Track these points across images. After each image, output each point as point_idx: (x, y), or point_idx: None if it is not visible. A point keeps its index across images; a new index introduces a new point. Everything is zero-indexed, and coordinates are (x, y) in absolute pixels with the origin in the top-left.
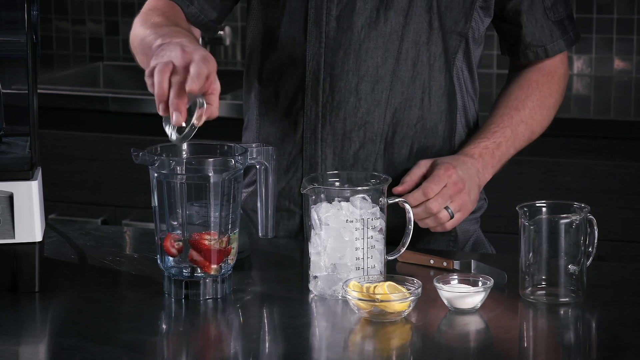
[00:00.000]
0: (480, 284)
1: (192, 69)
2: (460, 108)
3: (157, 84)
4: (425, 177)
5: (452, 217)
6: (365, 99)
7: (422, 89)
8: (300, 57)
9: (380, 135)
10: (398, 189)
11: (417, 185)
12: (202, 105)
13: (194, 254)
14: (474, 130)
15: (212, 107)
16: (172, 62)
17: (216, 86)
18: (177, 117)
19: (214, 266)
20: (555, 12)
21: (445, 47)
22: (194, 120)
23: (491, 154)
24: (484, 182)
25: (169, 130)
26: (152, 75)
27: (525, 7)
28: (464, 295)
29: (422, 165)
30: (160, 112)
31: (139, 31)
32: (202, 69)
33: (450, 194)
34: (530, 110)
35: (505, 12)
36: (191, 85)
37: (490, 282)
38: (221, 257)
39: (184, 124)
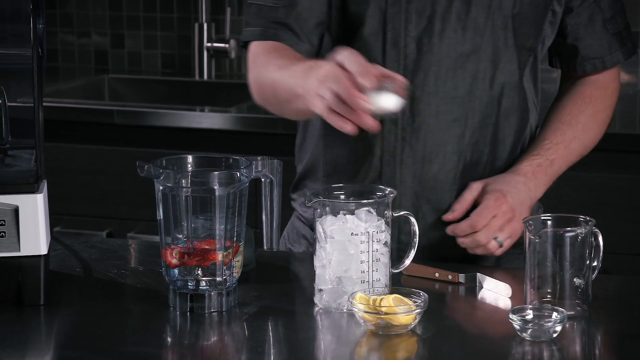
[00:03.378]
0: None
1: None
2: (529, 121)
3: (345, 89)
4: (476, 202)
5: (501, 246)
6: (444, 120)
7: (497, 106)
8: None
9: (458, 155)
10: (448, 217)
11: (469, 210)
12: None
13: (197, 253)
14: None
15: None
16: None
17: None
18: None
19: (220, 252)
20: (614, 24)
21: (518, 63)
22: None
23: (544, 172)
24: (536, 200)
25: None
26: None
27: (585, 19)
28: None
29: (474, 190)
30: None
31: (266, 79)
32: (361, 62)
33: (499, 225)
34: (583, 125)
35: (564, 25)
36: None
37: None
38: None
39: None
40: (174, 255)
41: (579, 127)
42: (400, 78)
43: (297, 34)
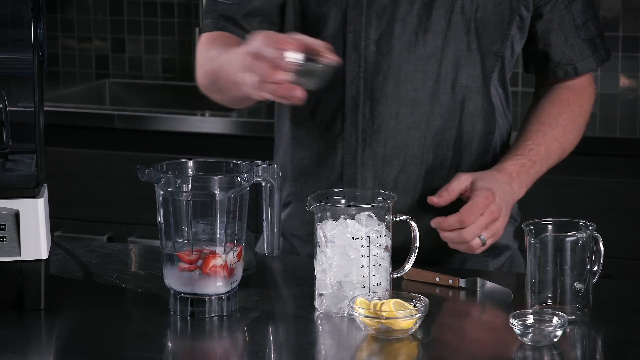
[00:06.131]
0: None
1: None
2: (495, 126)
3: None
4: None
5: (483, 244)
6: (405, 122)
7: (460, 110)
8: (338, 82)
9: (420, 158)
10: (433, 199)
11: (454, 204)
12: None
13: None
14: (507, 145)
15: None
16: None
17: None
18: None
19: (221, 256)
20: (586, 30)
21: (483, 67)
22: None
23: (527, 172)
24: (517, 200)
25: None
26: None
27: (555, 25)
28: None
29: (462, 181)
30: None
31: (207, 68)
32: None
33: (485, 223)
34: (562, 128)
35: (535, 31)
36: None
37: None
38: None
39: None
40: (187, 259)
41: (558, 130)
42: (322, 45)
43: (245, 30)
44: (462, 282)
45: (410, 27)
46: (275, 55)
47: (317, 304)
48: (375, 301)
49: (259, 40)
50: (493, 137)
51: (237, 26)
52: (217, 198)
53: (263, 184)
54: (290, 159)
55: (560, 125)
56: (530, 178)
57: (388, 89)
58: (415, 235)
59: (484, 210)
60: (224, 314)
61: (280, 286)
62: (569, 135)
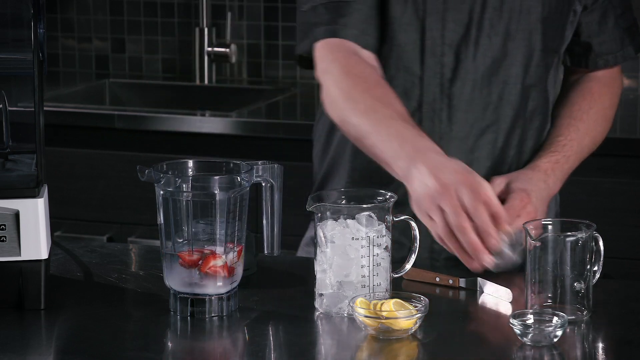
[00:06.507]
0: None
1: (495, 208)
2: (547, 123)
3: (468, 240)
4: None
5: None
6: (479, 126)
7: (525, 110)
8: (412, 88)
9: (491, 161)
10: None
11: None
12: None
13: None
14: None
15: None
16: (461, 203)
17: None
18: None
19: (221, 256)
20: (625, 19)
21: (545, 65)
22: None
23: (561, 168)
24: (552, 196)
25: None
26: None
27: (598, 16)
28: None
29: (497, 185)
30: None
31: (352, 121)
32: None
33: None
34: (593, 122)
35: (579, 23)
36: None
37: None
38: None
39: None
40: (187, 259)
41: (590, 123)
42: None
43: (359, 29)
44: (462, 282)
45: (484, 31)
46: (486, 227)
47: (317, 304)
48: (375, 301)
49: (466, 192)
50: (543, 133)
51: (352, 28)
52: (217, 198)
53: (263, 184)
54: (349, 161)
55: (591, 119)
56: (565, 173)
57: (465, 94)
58: (415, 235)
59: (520, 212)
60: (224, 314)
61: (280, 286)
62: (599, 128)
